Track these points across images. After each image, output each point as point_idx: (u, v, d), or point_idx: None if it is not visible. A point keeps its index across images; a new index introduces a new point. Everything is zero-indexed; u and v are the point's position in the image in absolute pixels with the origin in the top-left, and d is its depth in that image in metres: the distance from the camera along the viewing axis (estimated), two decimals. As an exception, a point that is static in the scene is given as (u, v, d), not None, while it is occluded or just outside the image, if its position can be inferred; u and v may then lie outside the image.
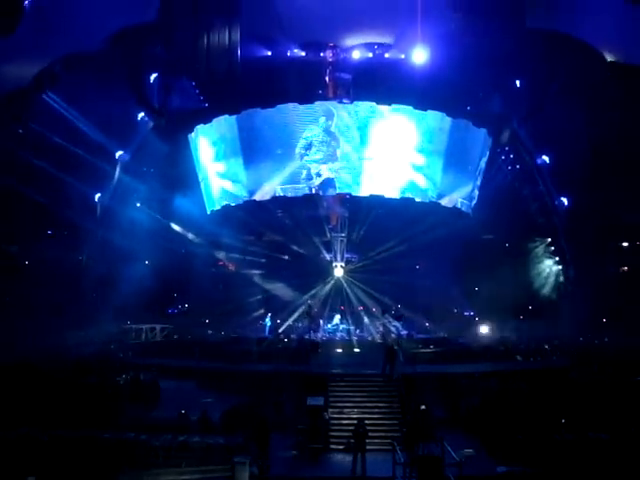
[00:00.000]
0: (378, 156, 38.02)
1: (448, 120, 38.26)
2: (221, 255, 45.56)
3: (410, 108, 37.80)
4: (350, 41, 41.95)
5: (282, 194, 38.46)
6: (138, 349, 34.62)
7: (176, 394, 26.92)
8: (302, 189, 38.38)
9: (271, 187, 38.57)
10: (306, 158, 38.20)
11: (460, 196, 39.79)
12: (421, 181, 38.53)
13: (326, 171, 38.10)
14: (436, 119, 38.22)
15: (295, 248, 42.60)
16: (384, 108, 37.73)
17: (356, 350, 34.68)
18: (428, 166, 38.54)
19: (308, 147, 38.13)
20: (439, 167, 38.59)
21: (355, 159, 38.16)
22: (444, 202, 39.04)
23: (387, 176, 38.21)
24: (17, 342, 30.01)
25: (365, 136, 37.88)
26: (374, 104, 37.81)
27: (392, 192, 38.21)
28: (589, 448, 20.16)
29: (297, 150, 38.23)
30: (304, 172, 38.31)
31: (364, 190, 38.16)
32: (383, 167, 38.10)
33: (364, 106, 37.99)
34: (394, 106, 37.76)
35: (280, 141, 38.47)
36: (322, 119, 37.92)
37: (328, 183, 38.23)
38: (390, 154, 38.09)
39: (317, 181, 38.16)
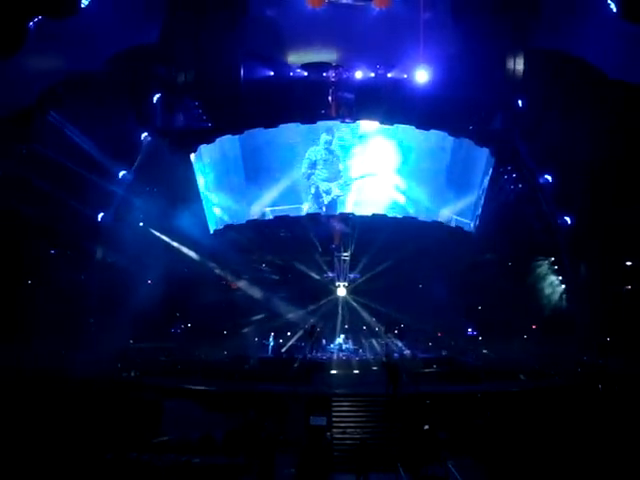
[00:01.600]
0: (375, 174, 38.26)
1: (450, 139, 38.36)
2: (224, 274, 45.51)
3: (412, 127, 37.90)
4: (353, 61, 42.12)
5: (286, 213, 38.61)
6: (141, 369, 34.54)
7: (179, 414, 26.82)
8: (310, 208, 38.53)
9: (274, 206, 38.75)
10: (313, 178, 38.36)
11: (462, 215, 39.80)
12: (421, 200, 38.61)
13: (336, 189, 38.26)
14: (438, 138, 38.31)
15: (298, 267, 42.55)
16: (384, 127, 37.91)
17: (359, 370, 34.56)
18: (429, 185, 38.62)
19: (313, 166, 38.29)
20: (440, 187, 38.68)
21: (351, 178, 38.35)
22: (445, 221, 39.09)
23: (382, 195, 38.43)
24: (19, 362, 29.96)
25: (361, 154, 38.14)
26: (376, 123, 37.98)
27: (389, 212, 38.30)
28: (594, 469, 20.02)
29: (303, 170, 38.43)
30: (312, 189, 38.46)
31: (359, 209, 38.34)
32: (379, 186, 38.31)
33: (363, 125, 38.18)
34: (396, 125, 37.91)
35: (284, 160, 38.62)
36: (323, 135, 38.13)
37: (335, 201, 38.37)
38: (388, 173, 38.24)
39: (326, 199, 38.28)
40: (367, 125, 38.39)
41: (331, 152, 38.08)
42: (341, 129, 38.28)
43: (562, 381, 31.55)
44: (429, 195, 38.63)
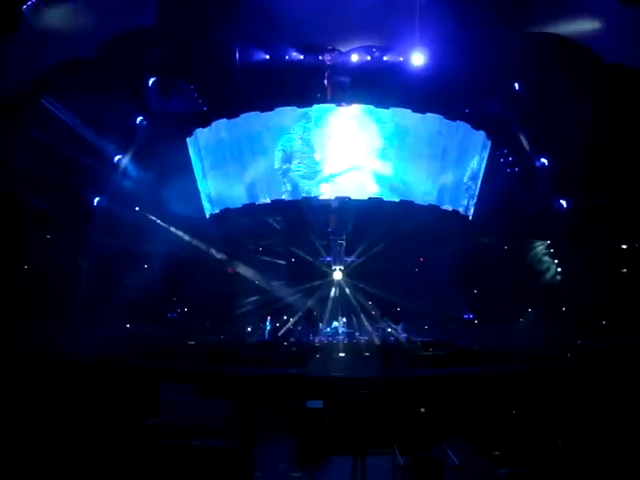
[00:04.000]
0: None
1: (446, 123, 38.31)
2: (220, 258, 45.54)
3: (409, 111, 37.81)
4: (348, 44, 41.89)
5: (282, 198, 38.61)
6: (137, 353, 34.58)
7: (175, 398, 26.85)
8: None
9: (270, 190, 38.72)
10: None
11: (459, 199, 39.85)
12: (418, 185, 38.56)
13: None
14: (434, 122, 38.24)
15: (294, 251, 42.61)
16: (380, 111, 37.78)
17: (355, 353, 34.68)
18: (425, 169, 38.56)
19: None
20: (437, 170, 38.63)
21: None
22: (443, 206, 39.14)
23: (378, 180, 38.30)
24: (14, 347, 29.95)
25: (354, 139, 38.00)
26: (372, 107, 37.84)
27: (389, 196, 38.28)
28: (590, 451, 20.12)
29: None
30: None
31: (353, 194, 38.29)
32: (373, 171, 38.22)
33: (360, 109, 38.01)
34: (392, 109, 37.80)
35: (280, 145, 38.53)
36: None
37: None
38: (385, 157, 38.16)
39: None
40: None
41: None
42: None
43: (557, 364, 31.60)
44: (424, 179, 38.61)
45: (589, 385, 26.53)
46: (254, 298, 43.25)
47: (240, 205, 39.59)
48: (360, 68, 41.98)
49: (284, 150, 38.07)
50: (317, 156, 37.87)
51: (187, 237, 44.15)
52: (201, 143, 40.67)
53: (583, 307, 38.97)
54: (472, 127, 39.33)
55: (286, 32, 40.81)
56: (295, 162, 37.91)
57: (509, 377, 28.19)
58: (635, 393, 24.61)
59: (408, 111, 37.73)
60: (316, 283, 42.28)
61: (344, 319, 41.77)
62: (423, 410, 23.08)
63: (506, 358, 33.15)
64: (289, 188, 38.07)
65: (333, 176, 37.89)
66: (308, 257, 42.61)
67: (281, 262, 44.17)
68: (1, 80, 33.29)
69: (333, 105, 38.71)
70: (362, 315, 42.24)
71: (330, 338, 39.33)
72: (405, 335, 37.97)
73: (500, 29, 38.17)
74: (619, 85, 35.05)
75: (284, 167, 38.09)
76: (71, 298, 38.67)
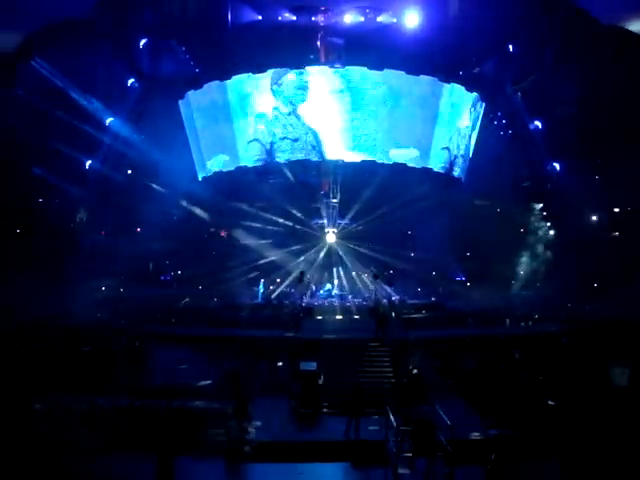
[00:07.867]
0: (363, 121, 37.99)
1: (440, 85, 38.08)
2: (213, 221, 45.44)
3: (402, 73, 37.53)
4: (342, 4, 41.46)
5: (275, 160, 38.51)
6: (132, 316, 34.67)
7: (170, 360, 26.99)
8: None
9: (263, 152, 38.59)
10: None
11: (452, 162, 39.80)
12: (412, 149, 38.48)
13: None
14: (428, 84, 38.00)
15: (287, 214, 42.52)
16: (375, 73, 37.47)
17: (348, 315, 34.83)
18: (418, 132, 38.45)
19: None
20: (430, 133, 38.51)
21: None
22: (435, 168, 39.14)
23: (370, 143, 38.20)
24: (10, 311, 29.96)
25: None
26: (365, 69, 37.52)
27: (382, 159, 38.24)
28: (580, 412, 20.37)
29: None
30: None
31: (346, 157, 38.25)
32: (373, 133, 38.06)
33: (354, 71, 37.70)
34: (386, 71, 37.51)
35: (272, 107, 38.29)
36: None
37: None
38: (378, 120, 37.98)
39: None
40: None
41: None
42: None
43: (549, 326, 31.82)
44: (417, 142, 38.52)
45: (580, 347, 26.79)
46: (247, 261, 43.22)
47: (233, 168, 39.49)
48: (353, 29, 41.59)
49: (275, 112, 37.86)
50: (308, 118, 37.71)
51: (180, 200, 43.93)
52: (193, 105, 40.38)
53: (575, 270, 39.11)
54: (466, 89, 39.12)
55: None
56: (288, 124, 37.76)
57: (502, 339, 28.41)
58: (624, 358, 24.89)
59: (402, 73, 37.44)
60: (309, 246, 42.29)
61: (337, 281, 41.90)
62: (416, 371, 23.29)
63: (498, 320, 33.43)
64: (281, 150, 37.97)
65: (325, 138, 37.80)
66: (301, 220, 42.52)
67: (274, 225, 44.07)
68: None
69: (326, 67, 38.44)
70: (355, 277, 42.37)
71: (323, 300, 39.44)
72: (398, 297, 38.17)
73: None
74: (615, 47, 34.90)
75: (275, 129, 37.93)
76: (65, 262, 38.51)
